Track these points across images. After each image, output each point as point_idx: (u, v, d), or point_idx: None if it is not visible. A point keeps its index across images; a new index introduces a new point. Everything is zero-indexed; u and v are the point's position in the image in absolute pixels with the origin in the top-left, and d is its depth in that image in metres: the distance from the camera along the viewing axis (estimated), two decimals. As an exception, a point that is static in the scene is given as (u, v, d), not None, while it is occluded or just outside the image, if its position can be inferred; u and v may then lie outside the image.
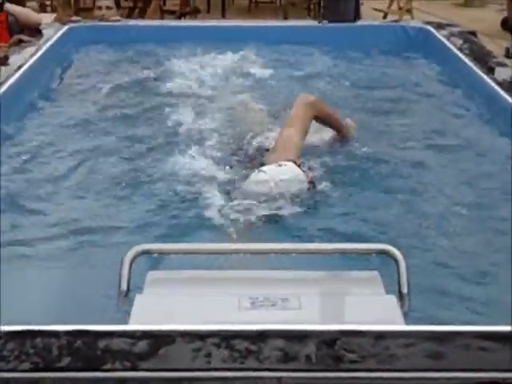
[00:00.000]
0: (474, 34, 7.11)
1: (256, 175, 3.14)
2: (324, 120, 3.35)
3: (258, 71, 6.52)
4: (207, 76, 6.40)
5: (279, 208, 3.12)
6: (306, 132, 3.32)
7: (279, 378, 1.49)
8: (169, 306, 2.01)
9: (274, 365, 1.54)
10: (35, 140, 4.80)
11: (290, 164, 3.10)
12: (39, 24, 6.79)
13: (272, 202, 3.07)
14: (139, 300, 2.01)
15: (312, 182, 3.22)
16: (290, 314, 1.91)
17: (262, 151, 3.75)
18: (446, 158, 4.54)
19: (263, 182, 3.06)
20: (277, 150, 3.27)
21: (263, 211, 3.06)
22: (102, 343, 1.58)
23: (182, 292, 2.12)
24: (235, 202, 3.09)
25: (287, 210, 3.10)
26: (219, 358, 1.56)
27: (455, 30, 7.21)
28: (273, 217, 3.13)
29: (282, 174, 3.07)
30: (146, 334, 1.63)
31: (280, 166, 3.10)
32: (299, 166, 3.17)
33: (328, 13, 7.65)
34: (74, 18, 8.06)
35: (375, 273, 2.26)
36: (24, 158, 4.38)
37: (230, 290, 2.08)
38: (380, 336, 1.67)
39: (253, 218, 3.04)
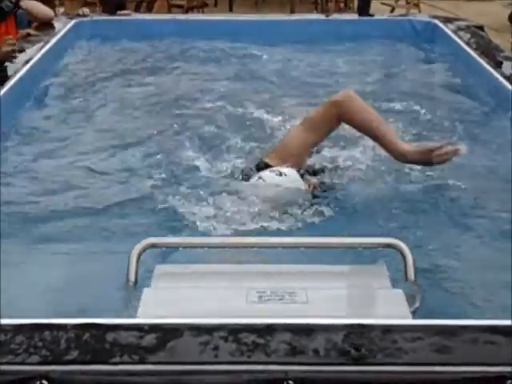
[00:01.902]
0: (481, 28, 7.08)
1: (255, 182, 2.94)
2: (359, 127, 2.65)
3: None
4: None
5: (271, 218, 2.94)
6: (320, 133, 2.83)
7: (286, 372, 1.50)
8: (176, 299, 2.02)
9: (281, 358, 1.54)
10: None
11: (291, 172, 2.79)
12: (51, 18, 6.76)
13: (266, 210, 2.91)
14: (147, 293, 2.01)
15: (315, 190, 2.94)
16: (297, 308, 1.91)
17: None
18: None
19: (261, 188, 2.87)
20: (279, 151, 2.97)
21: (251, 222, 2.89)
22: (110, 336, 1.59)
23: (190, 286, 2.12)
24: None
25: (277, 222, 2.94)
26: (226, 351, 1.56)
27: (462, 24, 7.17)
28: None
29: (280, 183, 2.82)
30: (153, 328, 1.64)
31: (280, 174, 2.82)
32: (300, 171, 2.89)
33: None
34: (84, 9, 7.82)
35: (382, 266, 2.26)
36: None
37: (237, 283, 2.09)
38: (387, 330, 1.67)
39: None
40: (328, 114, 2.55)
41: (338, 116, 2.54)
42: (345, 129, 3.41)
